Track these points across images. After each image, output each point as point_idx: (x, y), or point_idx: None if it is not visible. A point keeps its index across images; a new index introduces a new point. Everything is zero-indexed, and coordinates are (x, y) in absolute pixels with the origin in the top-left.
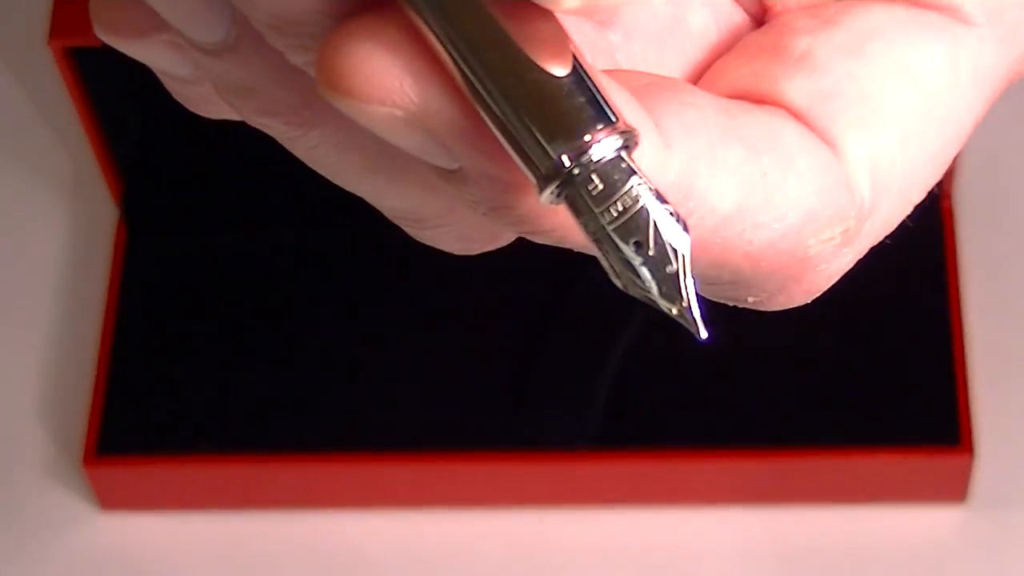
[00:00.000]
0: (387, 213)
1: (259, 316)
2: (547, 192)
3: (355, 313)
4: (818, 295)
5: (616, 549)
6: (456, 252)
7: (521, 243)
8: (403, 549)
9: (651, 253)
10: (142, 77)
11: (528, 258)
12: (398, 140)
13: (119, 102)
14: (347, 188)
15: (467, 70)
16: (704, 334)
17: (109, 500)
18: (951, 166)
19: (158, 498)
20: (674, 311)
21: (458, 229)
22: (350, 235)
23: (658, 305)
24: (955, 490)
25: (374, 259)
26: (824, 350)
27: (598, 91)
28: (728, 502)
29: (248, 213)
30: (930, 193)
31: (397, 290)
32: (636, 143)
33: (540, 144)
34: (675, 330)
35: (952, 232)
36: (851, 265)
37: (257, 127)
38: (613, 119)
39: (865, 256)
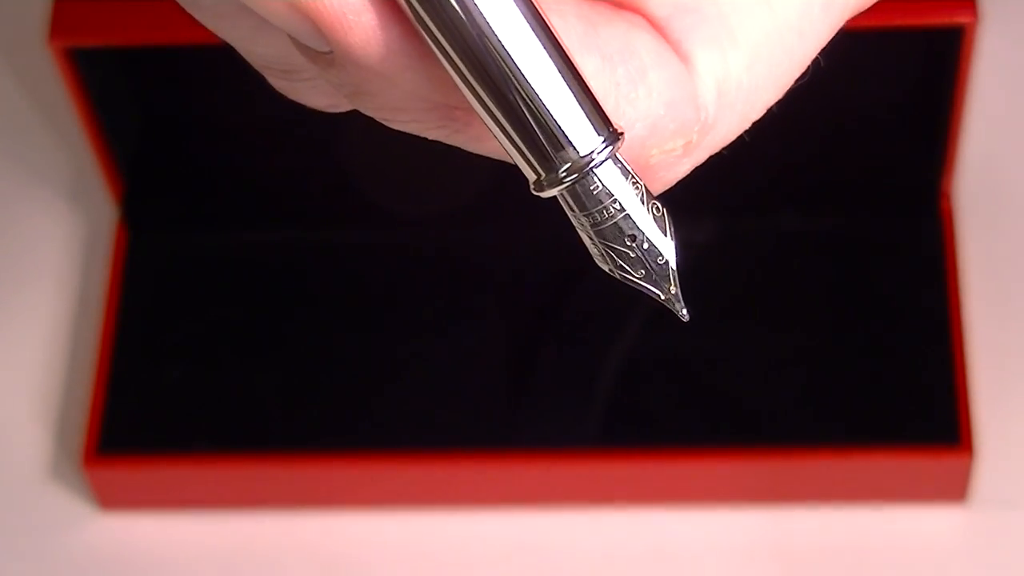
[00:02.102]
0: (256, 62)
1: (259, 316)
2: (550, 190)
3: (355, 313)
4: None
5: (616, 549)
6: (323, 108)
7: (521, 245)
8: (403, 549)
9: (645, 246)
10: (142, 77)
11: (528, 258)
12: (276, 20)
13: (119, 102)
14: (217, 33)
15: (469, 75)
16: (687, 315)
17: (109, 500)
18: (951, 166)
19: (158, 498)
20: (663, 296)
21: (325, 86)
22: (350, 235)
23: (648, 290)
24: (955, 490)
25: (374, 259)
26: (824, 350)
27: (590, 93)
28: (728, 502)
29: (248, 213)
30: (930, 193)
31: (397, 290)
32: (623, 142)
33: (547, 148)
34: (663, 317)
35: (952, 232)
36: (686, 173)
37: None
38: (608, 124)
39: (865, 256)
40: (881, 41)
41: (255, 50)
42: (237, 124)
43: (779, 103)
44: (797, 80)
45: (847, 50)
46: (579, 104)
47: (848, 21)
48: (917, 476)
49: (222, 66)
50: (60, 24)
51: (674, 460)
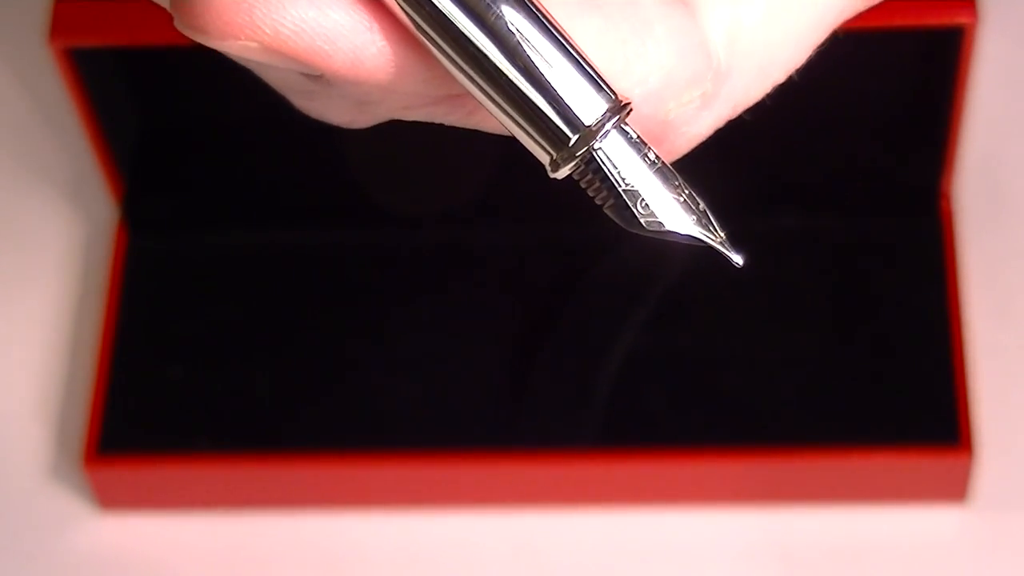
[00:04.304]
0: (275, 86)
1: (259, 316)
2: (565, 167)
3: (355, 313)
4: (679, 157)
5: (616, 549)
6: (346, 124)
7: (521, 244)
8: (403, 549)
9: (686, 191)
10: (142, 77)
11: (529, 258)
12: (259, 63)
13: (119, 102)
14: (234, 59)
15: (464, 65)
16: (740, 260)
17: (109, 500)
18: (951, 166)
19: (158, 498)
20: (716, 241)
21: (342, 103)
22: (350, 235)
23: (703, 235)
24: (955, 490)
25: (374, 259)
26: (824, 350)
27: (588, 64)
28: (728, 502)
29: (248, 213)
30: (930, 193)
31: (398, 290)
32: (631, 107)
33: (552, 125)
34: (663, 317)
35: (952, 232)
36: (711, 129)
37: None
38: (610, 91)
39: (865, 256)
40: (881, 41)
41: (269, 76)
42: (237, 124)
43: (779, 103)
44: (819, 48)
45: (847, 50)
46: (578, 75)
47: (848, 21)
48: (917, 476)
49: (222, 67)
50: (60, 24)
51: (674, 460)
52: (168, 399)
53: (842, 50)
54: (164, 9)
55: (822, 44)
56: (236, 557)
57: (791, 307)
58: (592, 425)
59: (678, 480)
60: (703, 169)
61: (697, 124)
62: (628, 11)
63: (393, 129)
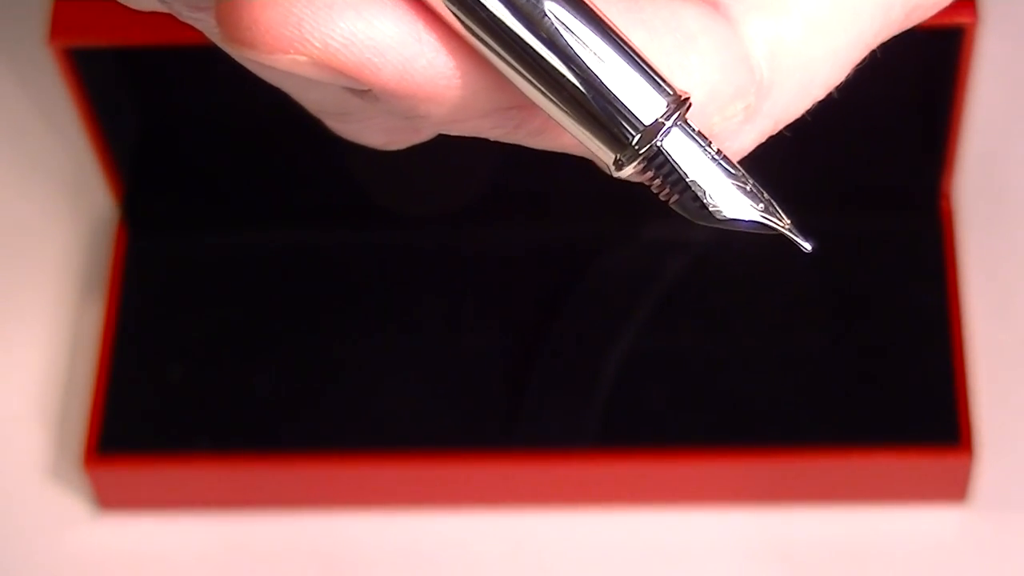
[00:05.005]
0: (311, 108)
1: (259, 316)
2: (629, 166)
3: (355, 313)
4: None
5: (616, 549)
6: (380, 147)
7: (521, 243)
8: (403, 549)
9: (751, 181)
10: (142, 77)
11: (528, 258)
12: (304, 81)
13: (119, 102)
14: (272, 83)
15: (522, 69)
16: (808, 246)
17: (109, 500)
18: (951, 166)
19: (158, 498)
20: (784, 227)
21: (382, 123)
22: (351, 235)
23: (771, 222)
24: (955, 490)
25: (375, 259)
26: (824, 350)
27: (645, 62)
28: (728, 502)
29: (248, 213)
30: (930, 193)
31: (398, 290)
32: (690, 104)
33: (614, 124)
34: (663, 317)
35: (952, 232)
36: (753, 144)
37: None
38: (669, 86)
39: (865, 256)
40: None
41: (308, 97)
42: (237, 124)
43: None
44: (857, 66)
45: None
46: (636, 73)
47: None
48: (917, 476)
49: (222, 66)
50: (60, 24)
51: (674, 460)
52: (168, 399)
53: None
54: (165, 9)
55: (860, 63)
56: (236, 557)
57: (791, 307)
58: (592, 425)
59: (678, 480)
60: None
61: (740, 139)
62: (671, 24)
63: None
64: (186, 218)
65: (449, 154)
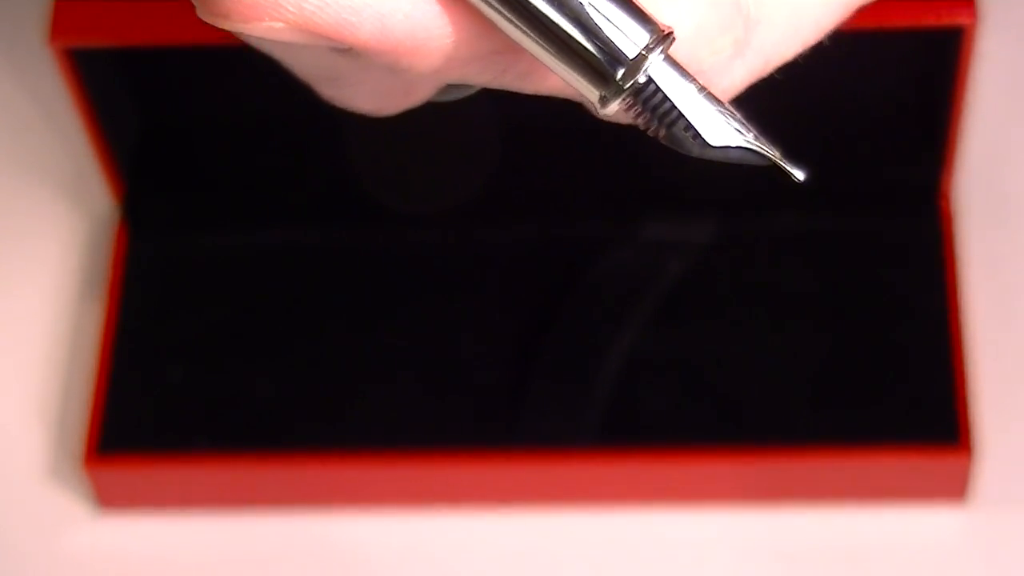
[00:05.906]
0: (301, 73)
1: (260, 316)
2: (615, 101)
3: (355, 313)
4: None
5: (616, 549)
6: (372, 112)
7: (521, 243)
8: (403, 549)
9: (736, 114)
10: (142, 77)
11: (528, 258)
12: (286, 46)
13: (119, 102)
14: (261, 49)
15: (503, 8)
16: (800, 175)
17: (109, 500)
18: (951, 166)
19: (158, 498)
20: (776, 155)
21: (372, 86)
22: (351, 235)
23: (761, 151)
24: (955, 490)
25: (375, 259)
26: (823, 349)
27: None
28: (728, 502)
29: (249, 213)
30: (930, 193)
31: (397, 290)
32: (674, 38)
33: (597, 60)
34: (663, 317)
35: (952, 232)
36: (744, 82)
37: None
38: (651, 20)
39: (865, 256)
40: (881, 41)
41: (298, 61)
42: (237, 124)
43: (779, 103)
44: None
45: (847, 50)
46: (617, 8)
47: (848, 21)
48: (917, 476)
49: (222, 66)
50: (60, 24)
51: (674, 460)
52: (168, 399)
53: (842, 50)
54: (164, 8)
55: (844, 21)
56: (236, 557)
57: (791, 307)
58: (592, 425)
59: (678, 480)
60: (702, 169)
61: (731, 75)
62: None
63: (394, 128)
64: (186, 218)
65: (449, 153)
